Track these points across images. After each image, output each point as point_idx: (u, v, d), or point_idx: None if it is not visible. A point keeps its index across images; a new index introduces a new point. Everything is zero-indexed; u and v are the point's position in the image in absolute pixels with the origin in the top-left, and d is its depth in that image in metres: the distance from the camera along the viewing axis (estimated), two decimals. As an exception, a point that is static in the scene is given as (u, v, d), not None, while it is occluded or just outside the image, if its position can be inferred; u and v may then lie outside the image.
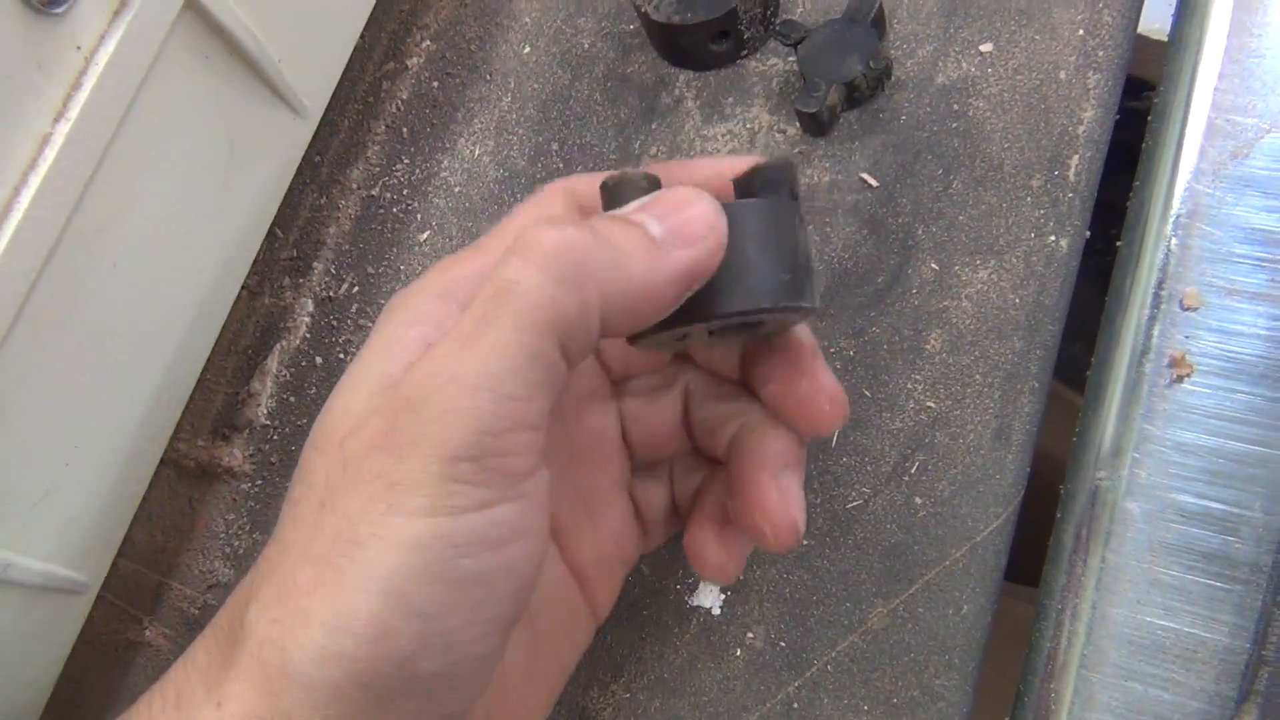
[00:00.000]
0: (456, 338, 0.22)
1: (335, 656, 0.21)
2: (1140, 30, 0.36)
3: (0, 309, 0.27)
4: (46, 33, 0.27)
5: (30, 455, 0.30)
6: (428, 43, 0.42)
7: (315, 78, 0.36)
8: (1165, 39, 0.36)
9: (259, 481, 0.38)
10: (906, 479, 0.31)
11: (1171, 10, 0.35)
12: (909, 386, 0.32)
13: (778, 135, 0.37)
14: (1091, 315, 0.34)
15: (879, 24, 0.35)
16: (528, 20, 0.42)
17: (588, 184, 0.27)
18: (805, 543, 0.32)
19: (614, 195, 0.25)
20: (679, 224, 0.23)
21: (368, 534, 0.21)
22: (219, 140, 0.33)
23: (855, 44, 0.35)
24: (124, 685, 0.37)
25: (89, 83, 0.28)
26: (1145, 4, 0.36)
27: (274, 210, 0.37)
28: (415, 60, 0.42)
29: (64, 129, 0.27)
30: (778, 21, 0.36)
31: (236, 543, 0.37)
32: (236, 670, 0.22)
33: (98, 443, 0.32)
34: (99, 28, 0.28)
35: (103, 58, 0.28)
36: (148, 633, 0.37)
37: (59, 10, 0.27)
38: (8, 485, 0.29)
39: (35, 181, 0.27)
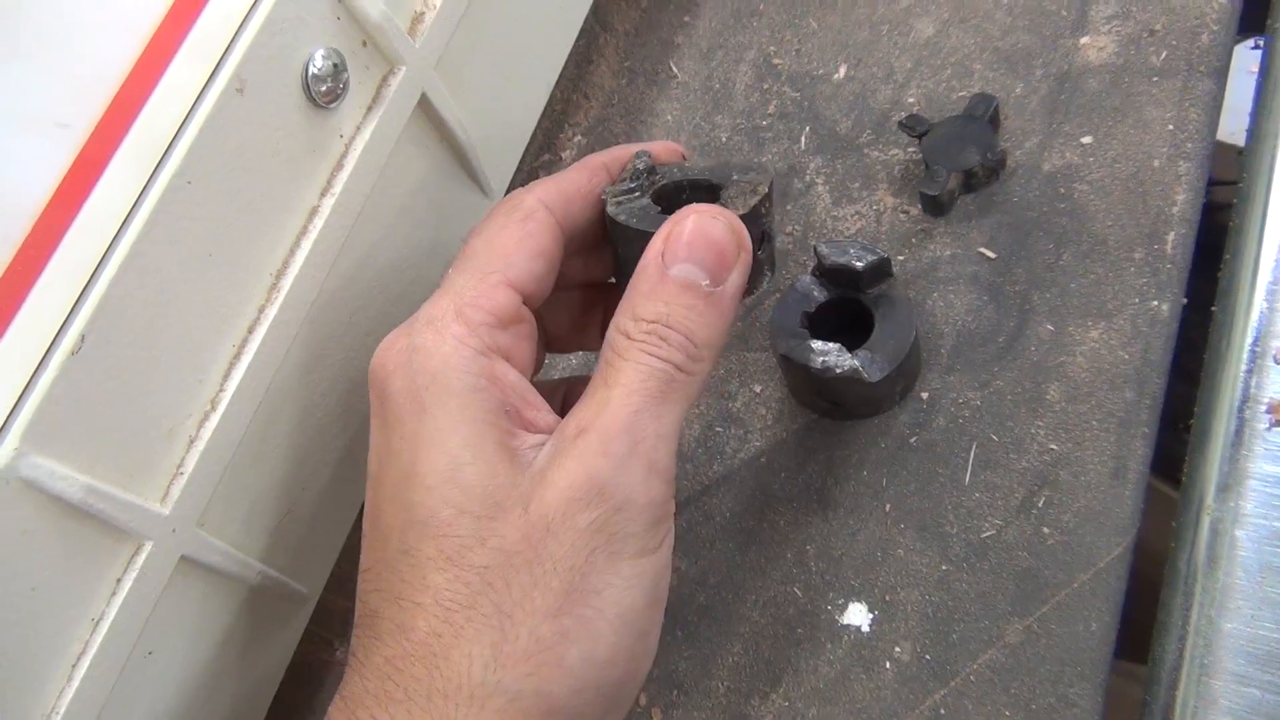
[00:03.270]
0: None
1: (591, 685, 0.26)
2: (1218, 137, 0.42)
3: (273, 354, 0.32)
4: (321, 123, 0.32)
5: (279, 480, 0.34)
6: (579, 137, 0.48)
7: (500, 164, 0.42)
8: (1240, 144, 0.41)
9: (437, 519, 0.42)
10: (1035, 511, 0.36)
11: (1247, 121, 0.41)
12: (1032, 431, 0.37)
13: (901, 215, 0.42)
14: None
15: (994, 121, 0.41)
16: (669, 118, 0.47)
17: (566, 197, 0.32)
18: (944, 568, 0.36)
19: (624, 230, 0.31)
20: (716, 265, 0.28)
21: (602, 583, 0.26)
22: (428, 213, 0.38)
23: (973, 138, 0.40)
24: (316, 701, 0.41)
25: (349, 164, 0.33)
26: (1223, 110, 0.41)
27: (463, 278, 0.42)
28: (568, 152, 0.48)
29: (329, 202, 0.33)
30: (904, 116, 0.41)
31: (418, 573, 0.42)
32: None
33: (324, 473, 0.37)
34: (356, 120, 0.34)
35: (359, 144, 0.33)
36: (339, 654, 0.41)
37: (333, 106, 0.32)
38: (263, 506, 0.34)
39: (306, 245, 0.32)
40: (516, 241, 0.30)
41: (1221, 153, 0.45)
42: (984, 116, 0.40)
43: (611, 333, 0.29)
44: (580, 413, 0.28)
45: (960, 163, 0.40)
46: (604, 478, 0.26)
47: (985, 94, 0.40)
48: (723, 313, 0.29)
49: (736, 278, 0.29)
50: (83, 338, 0.27)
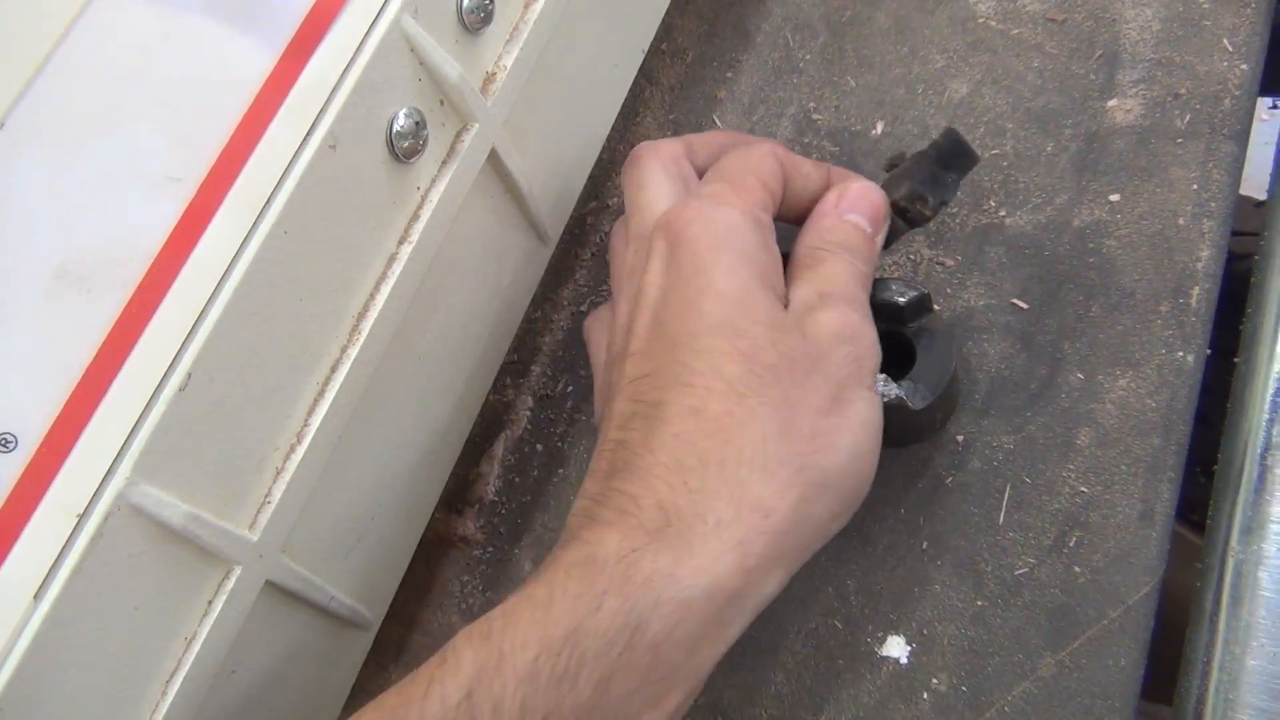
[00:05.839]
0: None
1: (850, 472, 0.33)
2: (1241, 191, 0.44)
3: (353, 391, 0.34)
4: (401, 176, 0.35)
5: (352, 510, 0.36)
6: (626, 185, 0.50)
7: (557, 212, 0.44)
8: (1263, 197, 0.43)
9: (489, 549, 0.44)
10: (1066, 551, 0.37)
11: (1269, 175, 0.43)
12: (1063, 474, 0.39)
13: (937, 266, 0.44)
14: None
15: (962, 159, 0.39)
16: (713, 168, 0.50)
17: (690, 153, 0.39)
18: (979, 603, 0.38)
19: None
20: (874, 218, 0.37)
21: (855, 397, 0.33)
22: (491, 260, 0.41)
23: (930, 177, 0.38)
24: (372, 723, 0.43)
25: (425, 214, 0.35)
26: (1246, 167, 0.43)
27: (520, 319, 0.45)
28: (615, 200, 0.50)
29: (406, 250, 0.35)
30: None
31: (471, 601, 0.44)
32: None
33: (392, 504, 0.39)
34: (432, 173, 0.36)
35: (434, 195, 0.36)
36: (392, 677, 0.43)
37: (413, 161, 0.35)
38: (338, 534, 0.36)
39: (385, 289, 0.35)
40: (760, 158, 0.37)
41: (1241, 204, 0.47)
42: (948, 152, 0.39)
43: (800, 251, 0.36)
44: (806, 283, 0.35)
45: (893, 191, 0.40)
46: (856, 324, 0.34)
47: (952, 129, 0.39)
48: (874, 254, 0.37)
49: (882, 235, 0.37)
50: (189, 375, 0.29)
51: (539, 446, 0.46)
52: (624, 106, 0.49)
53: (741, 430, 0.31)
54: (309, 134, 0.31)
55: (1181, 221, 0.42)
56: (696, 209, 0.35)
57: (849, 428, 0.32)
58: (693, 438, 0.31)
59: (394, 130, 0.33)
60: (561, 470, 0.45)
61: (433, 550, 0.45)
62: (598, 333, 0.40)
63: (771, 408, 0.31)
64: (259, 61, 0.31)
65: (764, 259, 0.34)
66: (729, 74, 0.52)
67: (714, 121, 0.50)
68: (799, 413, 0.32)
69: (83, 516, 0.27)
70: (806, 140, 0.48)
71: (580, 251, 0.49)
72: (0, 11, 0.29)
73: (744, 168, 0.37)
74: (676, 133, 0.51)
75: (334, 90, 0.32)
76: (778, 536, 0.30)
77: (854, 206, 0.37)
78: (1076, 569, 0.37)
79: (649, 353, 0.33)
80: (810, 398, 0.32)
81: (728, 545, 0.30)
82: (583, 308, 0.48)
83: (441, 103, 0.35)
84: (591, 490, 0.33)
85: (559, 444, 0.46)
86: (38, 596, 0.26)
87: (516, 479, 0.45)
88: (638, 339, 0.34)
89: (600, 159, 0.51)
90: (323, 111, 0.31)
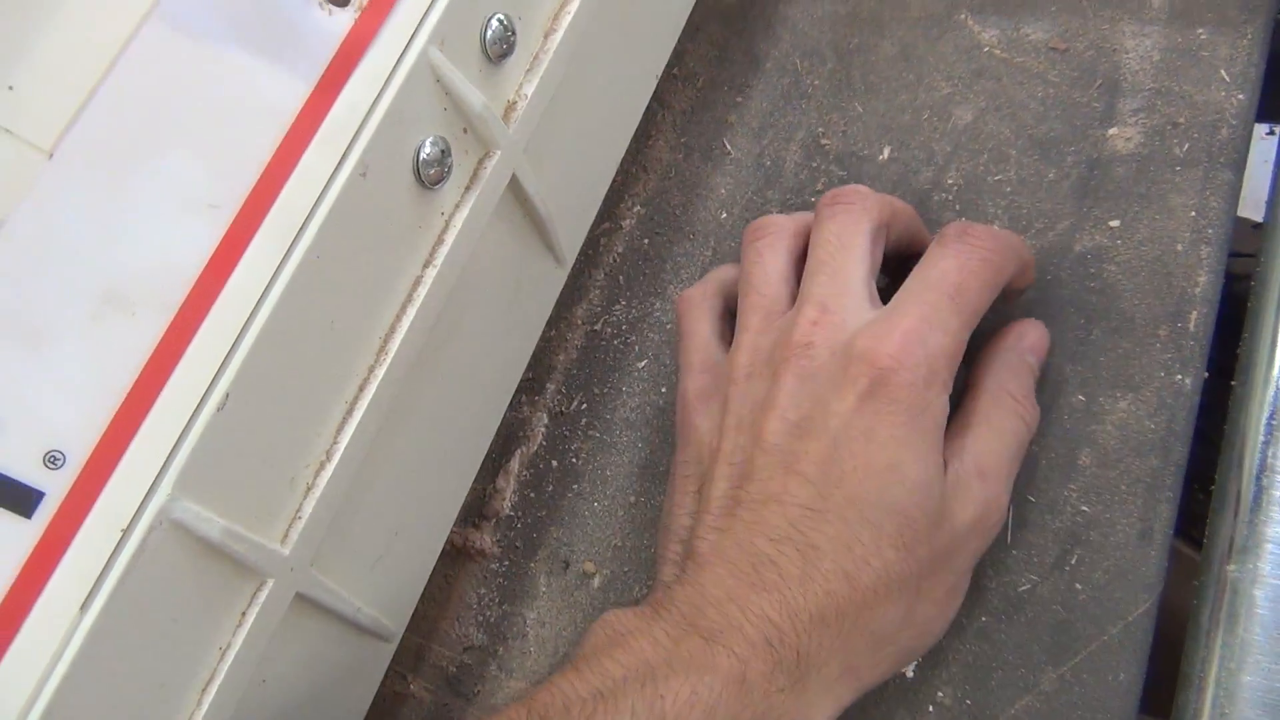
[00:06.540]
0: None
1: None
2: (1239, 214, 0.45)
3: (379, 410, 0.35)
4: (427, 202, 0.36)
5: (378, 524, 0.38)
6: (639, 207, 0.52)
7: (573, 234, 0.46)
8: (1260, 220, 0.44)
9: (506, 562, 0.46)
10: (1068, 568, 0.39)
11: (1264, 200, 0.44)
12: (1065, 494, 0.40)
13: (942, 289, 0.45)
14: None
15: None
16: (723, 191, 0.51)
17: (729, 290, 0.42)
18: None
19: None
20: (1042, 360, 0.40)
21: (965, 585, 0.38)
22: (509, 282, 0.42)
23: None
24: (390, 731, 0.44)
25: (449, 238, 0.37)
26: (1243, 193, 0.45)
27: (536, 338, 0.46)
28: (628, 221, 0.52)
29: (431, 273, 0.36)
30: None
31: (488, 613, 0.45)
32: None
33: (414, 519, 0.40)
34: (455, 199, 0.37)
35: (458, 220, 0.37)
36: (411, 686, 0.44)
37: (438, 187, 0.36)
38: (363, 547, 0.37)
39: (411, 311, 0.36)
40: (963, 280, 0.38)
41: (1239, 226, 0.48)
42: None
43: (995, 388, 0.38)
44: (974, 448, 0.36)
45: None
46: (998, 510, 0.36)
47: None
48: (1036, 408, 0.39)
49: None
50: (227, 396, 0.30)
51: (554, 463, 0.47)
52: (637, 130, 0.50)
53: (878, 609, 0.33)
54: (341, 162, 0.32)
55: (1180, 248, 0.43)
56: (904, 354, 0.34)
57: (950, 615, 0.36)
58: (840, 602, 0.33)
59: (421, 158, 0.35)
60: (576, 486, 0.46)
61: (451, 563, 0.46)
62: (704, 318, 0.42)
63: (907, 598, 0.34)
64: (294, 92, 0.32)
65: (941, 431, 0.35)
66: (739, 99, 0.53)
67: (724, 145, 0.52)
68: (921, 602, 0.34)
69: (126, 531, 0.28)
70: (815, 164, 0.50)
71: (594, 271, 0.51)
72: (52, 46, 0.30)
73: (942, 296, 0.36)
74: (688, 156, 0.52)
75: (365, 120, 0.33)
76: (858, 695, 0.35)
77: (1034, 349, 0.40)
78: (1078, 586, 0.38)
79: (820, 489, 0.34)
80: (935, 590, 0.35)
81: (831, 707, 0.34)
82: (596, 326, 0.49)
83: (465, 131, 0.36)
84: (733, 588, 0.33)
85: (573, 460, 0.47)
86: (84, 607, 0.28)
87: (532, 494, 0.47)
88: (808, 461, 0.34)
89: (613, 182, 0.52)
90: (354, 140, 0.32)
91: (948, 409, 0.36)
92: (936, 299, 0.36)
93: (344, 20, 0.33)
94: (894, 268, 0.42)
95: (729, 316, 0.42)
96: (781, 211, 0.49)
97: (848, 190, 0.40)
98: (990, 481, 0.36)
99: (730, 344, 0.40)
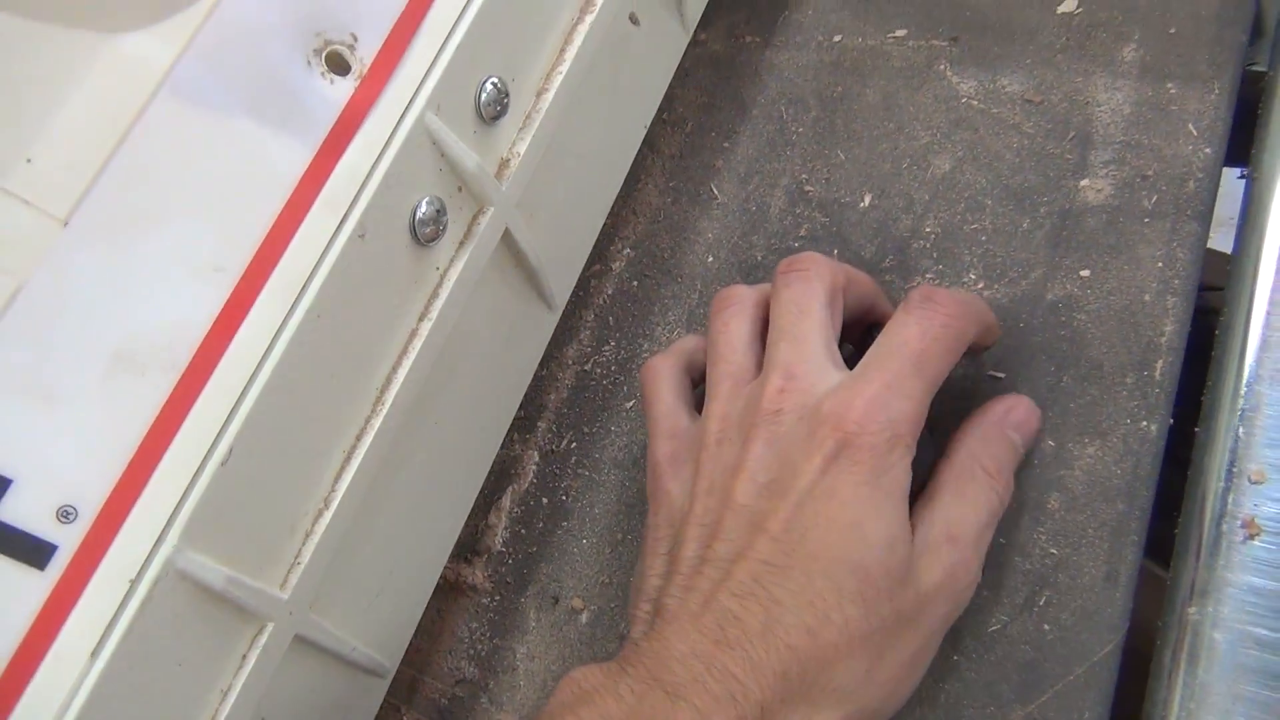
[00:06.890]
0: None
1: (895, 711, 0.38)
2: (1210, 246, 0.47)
3: (375, 459, 0.37)
4: (422, 258, 0.37)
5: (374, 566, 0.39)
6: (628, 250, 0.53)
7: (563, 280, 0.47)
8: (1228, 251, 0.46)
9: (497, 597, 0.47)
10: (1036, 609, 0.40)
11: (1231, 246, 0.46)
12: (1034, 537, 0.41)
13: (920, 335, 0.47)
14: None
15: None
16: (710, 235, 0.53)
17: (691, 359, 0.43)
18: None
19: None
20: (1029, 439, 0.41)
21: (934, 648, 0.38)
22: (502, 329, 0.44)
23: None
24: (384, 762, 0.45)
25: (444, 292, 0.38)
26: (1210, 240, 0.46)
27: (528, 380, 0.47)
28: (617, 264, 0.53)
29: (426, 326, 0.38)
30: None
31: (479, 646, 0.46)
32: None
33: (409, 559, 0.41)
34: (449, 253, 0.39)
35: (452, 274, 0.38)
36: (404, 718, 0.46)
37: (433, 244, 0.38)
38: (359, 588, 0.39)
39: (406, 363, 0.37)
40: (927, 348, 0.38)
41: (1214, 259, 0.50)
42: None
43: (967, 459, 0.38)
44: (943, 515, 0.37)
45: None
46: (968, 575, 0.37)
47: None
48: (1011, 485, 0.40)
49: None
50: (231, 450, 0.31)
51: (544, 500, 0.49)
52: (627, 174, 0.52)
53: (840, 665, 0.34)
54: (341, 225, 0.34)
55: (1147, 298, 0.45)
56: (867, 419, 0.35)
57: (915, 679, 0.36)
58: (802, 657, 0.34)
59: (417, 218, 0.36)
60: (565, 523, 0.48)
61: (443, 597, 0.48)
62: (669, 387, 0.42)
63: (869, 655, 0.34)
64: (297, 158, 0.34)
65: (905, 492, 0.36)
66: (726, 144, 0.55)
67: (711, 190, 0.53)
68: (885, 663, 0.35)
69: (135, 581, 0.30)
70: (799, 210, 0.51)
71: (584, 313, 0.52)
72: (68, 120, 0.32)
73: (905, 362, 0.37)
74: (676, 200, 0.54)
75: (364, 184, 0.34)
76: None
77: (1019, 426, 0.40)
78: (1046, 626, 0.40)
79: (784, 546, 0.35)
80: (901, 651, 0.35)
81: None
82: (586, 366, 0.51)
83: (460, 189, 0.38)
84: (697, 643, 0.34)
85: (563, 498, 0.48)
86: (94, 654, 0.29)
87: (523, 530, 0.48)
88: (774, 520, 0.35)
89: (605, 225, 0.54)
90: (353, 204, 0.34)
91: (910, 472, 0.37)
92: (900, 366, 0.37)
93: (345, 88, 0.35)
94: (859, 336, 0.44)
95: (692, 384, 0.44)
96: (766, 257, 0.51)
97: (803, 257, 0.41)
98: (960, 546, 0.36)
99: (694, 409, 0.42)
